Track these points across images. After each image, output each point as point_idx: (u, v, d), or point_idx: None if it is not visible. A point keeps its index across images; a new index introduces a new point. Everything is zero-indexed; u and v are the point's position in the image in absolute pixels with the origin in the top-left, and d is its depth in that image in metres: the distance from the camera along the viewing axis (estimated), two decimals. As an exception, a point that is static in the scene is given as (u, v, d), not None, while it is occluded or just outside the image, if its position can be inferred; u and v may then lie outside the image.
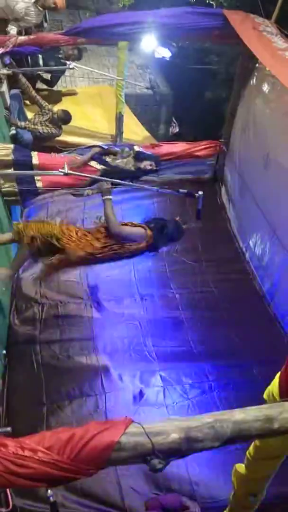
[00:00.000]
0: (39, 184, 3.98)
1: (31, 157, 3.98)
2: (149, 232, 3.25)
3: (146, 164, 4.05)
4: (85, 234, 3.22)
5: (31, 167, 3.98)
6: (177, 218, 3.44)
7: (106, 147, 4.24)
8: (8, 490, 2.35)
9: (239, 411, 1.46)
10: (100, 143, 4.27)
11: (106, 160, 4.18)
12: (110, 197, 3.23)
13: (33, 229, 3.11)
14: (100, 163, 4.11)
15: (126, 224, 3.28)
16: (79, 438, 1.34)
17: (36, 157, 3.98)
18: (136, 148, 4.23)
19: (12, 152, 4.02)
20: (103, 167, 4.10)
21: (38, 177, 4.00)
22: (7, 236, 3.33)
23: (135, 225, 3.29)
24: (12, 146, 4.15)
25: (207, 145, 5.15)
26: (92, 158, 4.15)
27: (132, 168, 4.06)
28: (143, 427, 1.36)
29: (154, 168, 4.07)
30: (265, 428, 1.44)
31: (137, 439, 1.35)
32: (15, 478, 1.31)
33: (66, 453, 1.33)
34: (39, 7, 4.82)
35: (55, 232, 3.11)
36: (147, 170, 4.10)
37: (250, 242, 4.65)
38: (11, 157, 3.95)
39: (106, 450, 1.34)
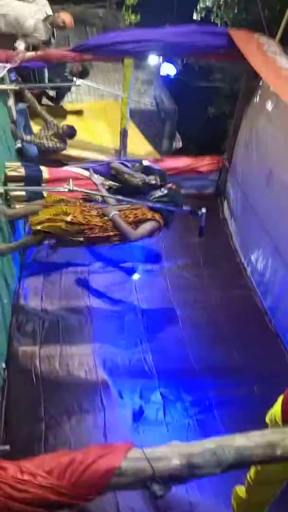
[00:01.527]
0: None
1: (41, 171, 4.06)
2: (160, 221, 3.48)
3: (150, 179, 4.10)
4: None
5: (41, 180, 4.08)
6: (170, 185, 3.68)
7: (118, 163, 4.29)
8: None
9: (241, 436, 1.45)
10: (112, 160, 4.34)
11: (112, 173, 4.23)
12: (117, 212, 3.32)
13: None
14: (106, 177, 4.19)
15: (139, 220, 3.45)
16: (79, 462, 1.33)
17: (46, 172, 4.06)
18: (145, 162, 4.29)
19: (23, 168, 4.10)
20: (110, 181, 4.17)
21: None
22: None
23: (146, 219, 3.46)
24: (20, 164, 4.23)
25: (210, 161, 5.19)
26: (99, 172, 4.19)
27: (140, 183, 4.10)
28: (144, 452, 1.34)
29: (158, 183, 4.08)
30: (267, 454, 1.42)
31: (138, 464, 1.34)
32: (14, 503, 1.29)
33: (66, 478, 1.31)
34: (48, 24, 4.90)
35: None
36: (151, 184, 4.12)
37: (252, 258, 4.65)
38: (23, 173, 4.04)
39: (106, 475, 1.32)
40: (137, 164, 4.26)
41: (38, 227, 3.34)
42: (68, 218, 3.33)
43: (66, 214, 3.37)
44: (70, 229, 3.35)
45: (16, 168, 4.11)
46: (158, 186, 4.07)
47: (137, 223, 3.48)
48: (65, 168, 4.39)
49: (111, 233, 3.42)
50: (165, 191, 3.64)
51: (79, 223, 3.34)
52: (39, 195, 3.93)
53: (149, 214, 3.48)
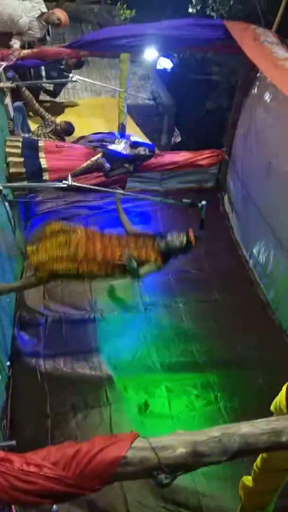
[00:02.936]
0: (43, 162, 4.19)
1: (37, 141, 4.28)
2: (161, 265, 3.26)
3: (140, 150, 4.36)
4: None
5: (37, 148, 4.24)
6: (190, 233, 3.38)
7: (107, 137, 4.51)
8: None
9: (246, 424, 1.45)
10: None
11: (105, 145, 4.41)
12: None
13: (47, 264, 3.06)
14: (99, 147, 4.38)
15: (142, 262, 3.20)
16: (85, 453, 1.33)
17: (42, 142, 4.29)
18: (132, 138, 4.48)
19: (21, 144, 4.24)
20: (102, 150, 4.35)
21: (43, 155, 4.23)
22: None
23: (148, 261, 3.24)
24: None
25: (210, 154, 5.16)
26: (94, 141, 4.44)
27: (130, 153, 4.37)
28: (149, 442, 1.34)
29: (147, 153, 4.39)
30: (273, 441, 1.42)
31: (143, 453, 1.34)
32: (21, 495, 1.30)
33: (71, 469, 1.31)
34: (42, 22, 4.88)
35: (72, 267, 3.07)
36: (141, 155, 4.38)
37: (254, 251, 4.64)
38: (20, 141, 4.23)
39: (112, 465, 1.32)
40: (124, 139, 4.47)
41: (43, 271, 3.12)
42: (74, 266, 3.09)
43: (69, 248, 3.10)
44: (72, 268, 3.11)
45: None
46: (147, 157, 4.37)
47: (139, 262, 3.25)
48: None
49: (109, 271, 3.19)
50: (184, 241, 3.34)
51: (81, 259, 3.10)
52: (38, 175, 4.09)
53: (153, 257, 3.25)
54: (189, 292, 4.31)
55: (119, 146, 4.31)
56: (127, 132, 5.30)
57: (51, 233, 3.16)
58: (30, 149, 4.22)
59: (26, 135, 4.85)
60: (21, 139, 4.30)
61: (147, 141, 5.91)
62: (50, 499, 1.35)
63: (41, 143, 4.32)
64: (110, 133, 4.61)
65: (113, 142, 4.41)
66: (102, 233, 3.27)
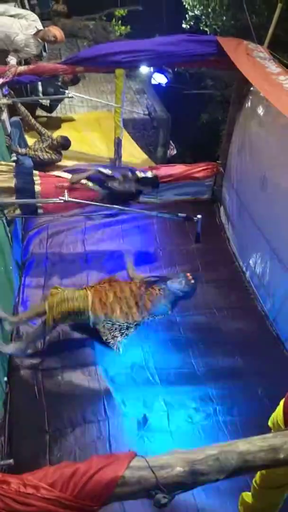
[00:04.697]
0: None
1: (33, 183, 4.11)
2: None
3: (148, 191, 4.49)
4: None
5: (33, 193, 4.10)
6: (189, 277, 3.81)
7: (107, 172, 4.38)
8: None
9: (243, 442, 1.45)
10: (101, 168, 4.39)
11: (108, 185, 4.31)
12: None
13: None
14: (101, 187, 4.28)
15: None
16: (82, 473, 1.33)
17: (38, 182, 4.12)
18: (139, 174, 4.46)
19: (14, 177, 4.11)
20: (105, 191, 4.29)
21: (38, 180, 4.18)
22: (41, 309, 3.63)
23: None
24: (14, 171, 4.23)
25: (205, 167, 5.22)
26: (92, 180, 4.28)
27: (134, 191, 4.35)
28: (147, 461, 1.34)
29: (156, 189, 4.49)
30: (270, 458, 1.42)
31: (141, 473, 1.34)
32: (18, 517, 1.29)
33: (69, 489, 1.31)
34: (38, 39, 4.95)
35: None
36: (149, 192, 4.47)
37: (250, 262, 4.66)
38: (13, 183, 4.04)
39: (109, 485, 1.32)
40: (129, 174, 4.41)
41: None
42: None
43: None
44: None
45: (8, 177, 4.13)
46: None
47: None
48: (56, 172, 4.47)
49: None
50: (185, 286, 3.88)
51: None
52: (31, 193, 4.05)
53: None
54: (186, 304, 4.29)
55: (124, 187, 4.33)
56: (124, 145, 5.36)
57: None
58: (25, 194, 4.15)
59: (23, 149, 4.90)
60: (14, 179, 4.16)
61: (144, 155, 5.98)
62: (47, 521, 1.34)
63: (37, 187, 4.16)
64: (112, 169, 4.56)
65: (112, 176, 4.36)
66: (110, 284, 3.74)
